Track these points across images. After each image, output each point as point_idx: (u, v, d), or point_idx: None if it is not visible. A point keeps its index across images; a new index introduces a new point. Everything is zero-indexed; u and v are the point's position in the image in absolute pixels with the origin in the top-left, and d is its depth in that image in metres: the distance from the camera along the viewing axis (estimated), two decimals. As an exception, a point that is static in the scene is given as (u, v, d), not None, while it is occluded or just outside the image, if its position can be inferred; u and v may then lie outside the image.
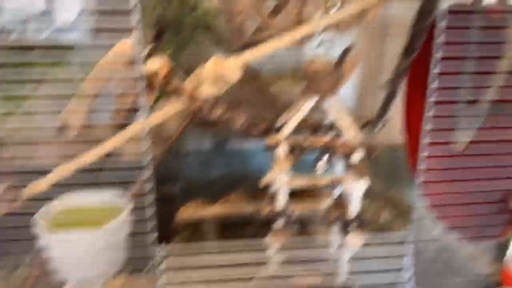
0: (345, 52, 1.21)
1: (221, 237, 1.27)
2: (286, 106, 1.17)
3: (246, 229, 1.41)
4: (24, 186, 0.78)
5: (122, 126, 1.11)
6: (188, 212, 1.18)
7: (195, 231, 1.36)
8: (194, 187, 1.53)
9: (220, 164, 1.60)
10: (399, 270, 0.84)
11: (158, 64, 0.65)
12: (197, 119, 1.06)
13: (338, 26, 1.01)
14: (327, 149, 0.89)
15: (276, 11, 1.15)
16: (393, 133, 1.62)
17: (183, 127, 1.03)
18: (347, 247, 0.94)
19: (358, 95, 1.64)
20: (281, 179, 0.88)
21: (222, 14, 1.05)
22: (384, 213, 1.50)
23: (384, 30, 1.55)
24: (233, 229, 1.41)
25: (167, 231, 1.27)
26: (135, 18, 0.59)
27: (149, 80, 0.63)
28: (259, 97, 1.20)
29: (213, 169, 1.61)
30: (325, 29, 0.87)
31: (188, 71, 1.36)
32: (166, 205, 0.73)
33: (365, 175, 0.86)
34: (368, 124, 1.50)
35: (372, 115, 1.61)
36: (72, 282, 0.82)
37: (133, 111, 1.12)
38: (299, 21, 1.01)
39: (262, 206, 1.18)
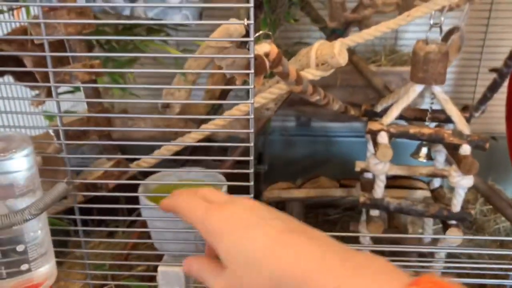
0: (449, 33, 1.12)
1: (306, 218, 1.27)
2: (383, 90, 1.12)
3: (331, 212, 1.40)
4: (130, 162, 0.81)
5: (218, 106, 1.13)
6: (274, 193, 1.18)
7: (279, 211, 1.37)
8: (278, 166, 1.53)
9: (304, 143, 1.58)
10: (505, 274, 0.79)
11: (268, 47, 0.63)
12: (288, 99, 1.04)
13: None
14: (433, 138, 0.84)
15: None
16: (493, 121, 1.52)
17: (277, 107, 1.01)
18: (444, 243, 0.89)
19: (455, 80, 1.54)
20: (381, 167, 0.84)
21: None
22: (479, 206, 1.42)
23: (488, 11, 1.43)
24: (318, 210, 1.40)
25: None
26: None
27: (258, 63, 0.62)
28: (354, 78, 1.15)
29: (297, 148, 1.59)
30: (442, 9, 0.81)
31: (283, 52, 1.34)
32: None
33: (473, 171, 0.80)
34: (466, 110, 1.41)
35: (470, 101, 1.52)
36: (169, 255, 0.85)
37: (226, 93, 1.13)
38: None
39: (352, 191, 1.15)
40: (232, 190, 0.80)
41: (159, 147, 0.84)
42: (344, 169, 1.49)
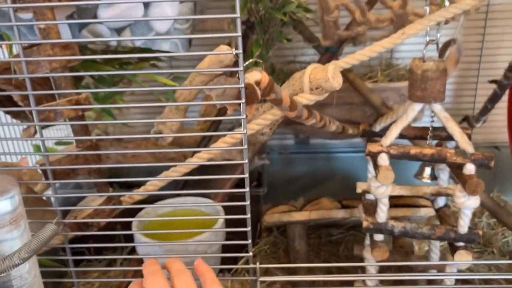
0: (446, 46, 1.10)
1: (309, 239, 1.24)
2: (381, 106, 1.10)
3: (334, 232, 1.36)
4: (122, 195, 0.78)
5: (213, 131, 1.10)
6: (274, 217, 1.15)
7: (280, 234, 1.33)
8: (278, 185, 1.50)
9: (303, 160, 1.56)
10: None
11: (259, 75, 0.60)
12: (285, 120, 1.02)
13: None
14: (435, 159, 0.81)
15: (370, 3, 1.06)
16: (494, 131, 1.49)
17: (272, 132, 0.98)
18: (452, 267, 0.85)
19: (455, 91, 1.52)
20: (382, 191, 0.81)
21: (317, 8, 0.99)
22: (485, 219, 1.38)
23: (484, 20, 1.41)
24: (321, 230, 1.37)
25: (252, 233, 1.26)
26: (238, 25, 0.55)
27: (249, 92, 0.59)
28: (351, 96, 1.13)
29: (297, 166, 1.57)
30: (438, 24, 0.78)
31: (278, 70, 1.32)
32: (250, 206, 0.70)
33: (479, 191, 0.77)
34: (466, 120, 1.39)
35: (470, 111, 1.49)
36: None
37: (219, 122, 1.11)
38: (402, 14, 0.93)
39: (354, 212, 1.12)
40: (229, 224, 0.77)
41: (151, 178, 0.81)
42: (345, 185, 1.45)
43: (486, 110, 1.24)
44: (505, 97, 1.23)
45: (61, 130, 1.28)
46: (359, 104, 1.13)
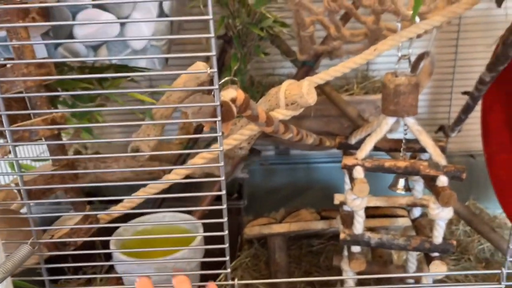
0: (419, 59, 1.13)
1: (289, 251, 1.24)
2: (357, 119, 1.11)
3: (315, 242, 1.37)
4: (102, 210, 0.78)
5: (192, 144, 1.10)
6: (255, 230, 1.15)
7: (261, 246, 1.34)
8: (259, 195, 1.51)
9: (284, 171, 1.57)
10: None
11: (234, 93, 0.61)
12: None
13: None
14: (409, 171, 0.83)
15: (345, 19, 1.08)
16: (469, 140, 1.53)
17: (251, 146, 0.99)
18: (428, 278, 0.87)
19: (430, 101, 1.55)
20: (358, 203, 0.83)
21: (293, 23, 1.00)
22: (462, 227, 1.41)
23: (457, 33, 1.45)
24: (301, 241, 1.38)
25: (233, 246, 1.26)
26: (212, 44, 0.56)
27: (225, 110, 0.60)
28: (328, 108, 1.14)
29: (277, 176, 1.58)
30: (410, 39, 0.80)
31: (255, 84, 1.33)
32: (230, 218, 0.70)
33: (452, 203, 0.79)
34: (442, 129, 1.42)
35: (445, 121, 1.52)
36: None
37: (201, 129, 1.11)
38: (376, 29, 0.95)
39: (333, 223, 1.13)
40: (209, 239, 0.77)
41: (131, 192, 0.81)
42: (324, 195, 1.46)
43: (460, 120, 1.27)
44: (479, 107, 1.27)
45: (38, 146, 1.27)
46: (336, 116, 1.15)
